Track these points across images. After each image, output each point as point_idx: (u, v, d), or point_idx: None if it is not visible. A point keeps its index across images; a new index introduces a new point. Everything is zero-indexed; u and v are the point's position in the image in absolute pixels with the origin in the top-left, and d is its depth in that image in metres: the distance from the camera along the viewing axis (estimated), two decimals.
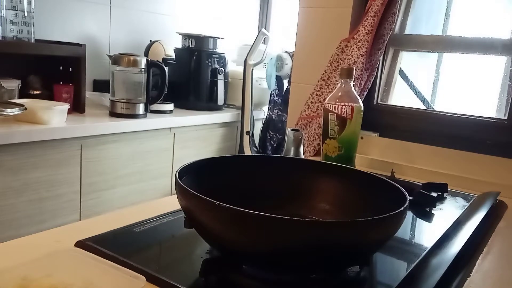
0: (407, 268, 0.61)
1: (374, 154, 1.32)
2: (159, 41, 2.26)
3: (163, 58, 2.14)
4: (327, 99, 1.02)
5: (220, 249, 0.57)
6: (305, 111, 1.39)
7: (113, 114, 1.86)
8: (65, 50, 1.78)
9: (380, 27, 1.30)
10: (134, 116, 1.86)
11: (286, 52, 2.23)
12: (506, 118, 1.21)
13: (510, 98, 1.23)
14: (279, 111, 2.31)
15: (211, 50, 2.30)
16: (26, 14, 1.70)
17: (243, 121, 2.34)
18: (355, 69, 1.25)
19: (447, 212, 0.88)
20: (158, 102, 2.00)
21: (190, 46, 2.27)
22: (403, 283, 0.55)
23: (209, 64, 2.28)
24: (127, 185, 1.84)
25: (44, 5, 1.92)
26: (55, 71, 1.84)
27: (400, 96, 1.47)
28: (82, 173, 1.66)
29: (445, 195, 0.97)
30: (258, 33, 2.31)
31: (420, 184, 0.97)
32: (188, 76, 2.28)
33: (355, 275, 0.57)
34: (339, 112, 0.97)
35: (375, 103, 1.43)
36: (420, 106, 1.49)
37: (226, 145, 2.36)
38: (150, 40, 2.29)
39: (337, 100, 0.99)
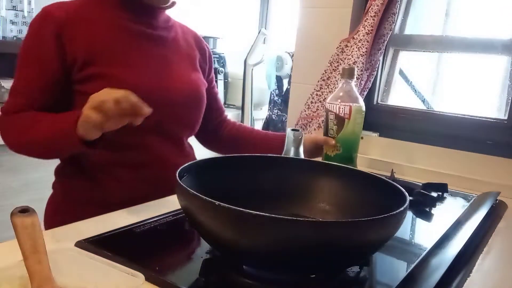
0: (407, 268, 0.61)
1: (374, 154, 1.32)
2: None
3: None
4: (328, 98, 1.02)
5: (220, 249, 0.57)
6: (305, 111, 1.39)
7: None
8: None
9: (380, 27, 1.30)
10: None
11: (286, 52, 2.23)
12: (506, 118, 1.21)
13: (510, 98, 1.23)
14: (279, 111, 2.31)
15: (211, 50, 2.30)
16: (26, 14, 1.70)
17: (243, 121, 2.34)
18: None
19: (447, 212, 0.88)
20: None
21: None
22: (403, 283, 0.55)
23: None
24: None
25: (44, 5, 1.91)
26: None
27: (400, 96, 1.47)
28: None
29: (445, 195, 0.97)
30: (258, 33, 2.31)
31: (420, 184, 0.97)
32: None
33: (355, 275, 0.57)
34: (337, 112, 0.97)
35: (375, 103, 1.43)
36: (420, 106, 1.49)
37: None
38: None
39: (338, 100, 0.99)
